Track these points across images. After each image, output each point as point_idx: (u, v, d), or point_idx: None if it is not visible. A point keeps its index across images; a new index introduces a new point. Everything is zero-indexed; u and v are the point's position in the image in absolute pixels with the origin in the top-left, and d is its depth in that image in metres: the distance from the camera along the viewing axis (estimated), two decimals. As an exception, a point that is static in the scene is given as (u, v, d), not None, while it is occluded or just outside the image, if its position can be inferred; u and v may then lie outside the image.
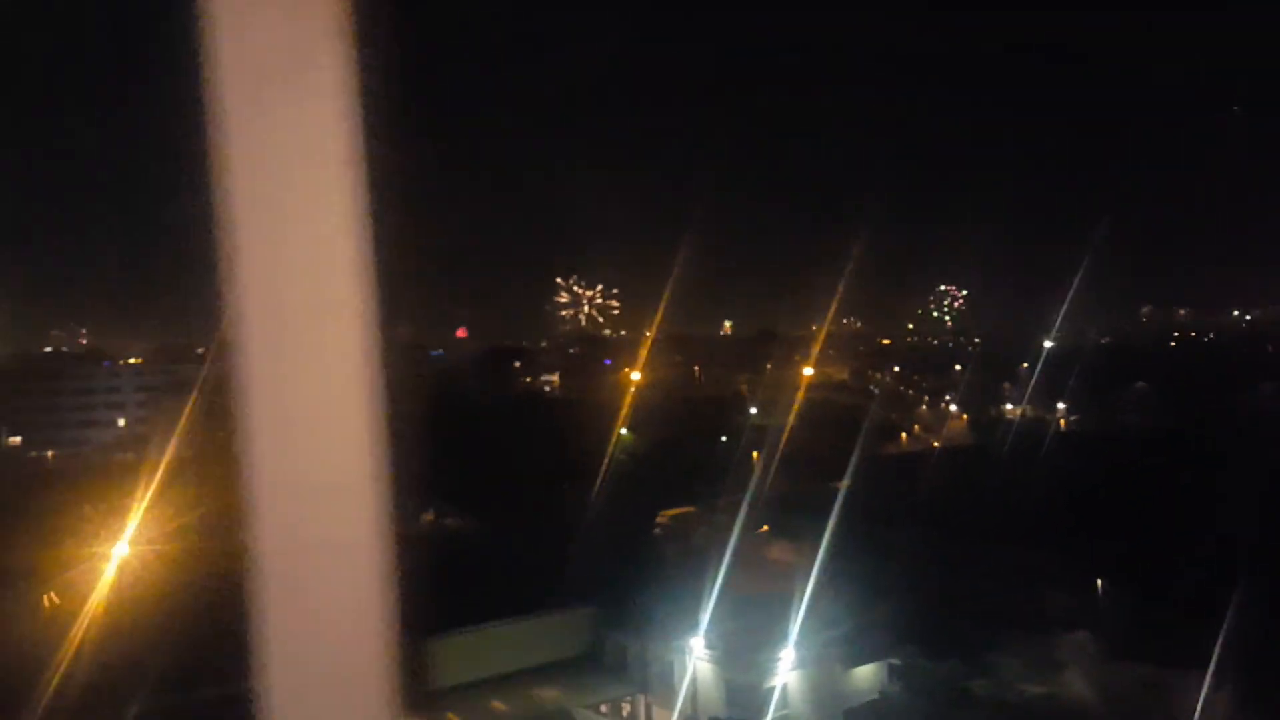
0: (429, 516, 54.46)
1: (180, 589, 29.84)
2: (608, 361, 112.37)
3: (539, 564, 32.49)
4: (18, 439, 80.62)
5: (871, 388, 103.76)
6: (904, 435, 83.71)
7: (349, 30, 1.57)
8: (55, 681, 22.83)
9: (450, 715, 28.76)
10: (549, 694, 29.98)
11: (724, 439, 58.26)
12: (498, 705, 29.35)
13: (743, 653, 28.18)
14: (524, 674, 30.44)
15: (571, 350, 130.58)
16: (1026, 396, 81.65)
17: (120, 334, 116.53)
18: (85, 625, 25.65)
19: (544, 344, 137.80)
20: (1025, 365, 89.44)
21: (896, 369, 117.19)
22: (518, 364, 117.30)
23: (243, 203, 1.57)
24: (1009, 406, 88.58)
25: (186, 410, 61.87)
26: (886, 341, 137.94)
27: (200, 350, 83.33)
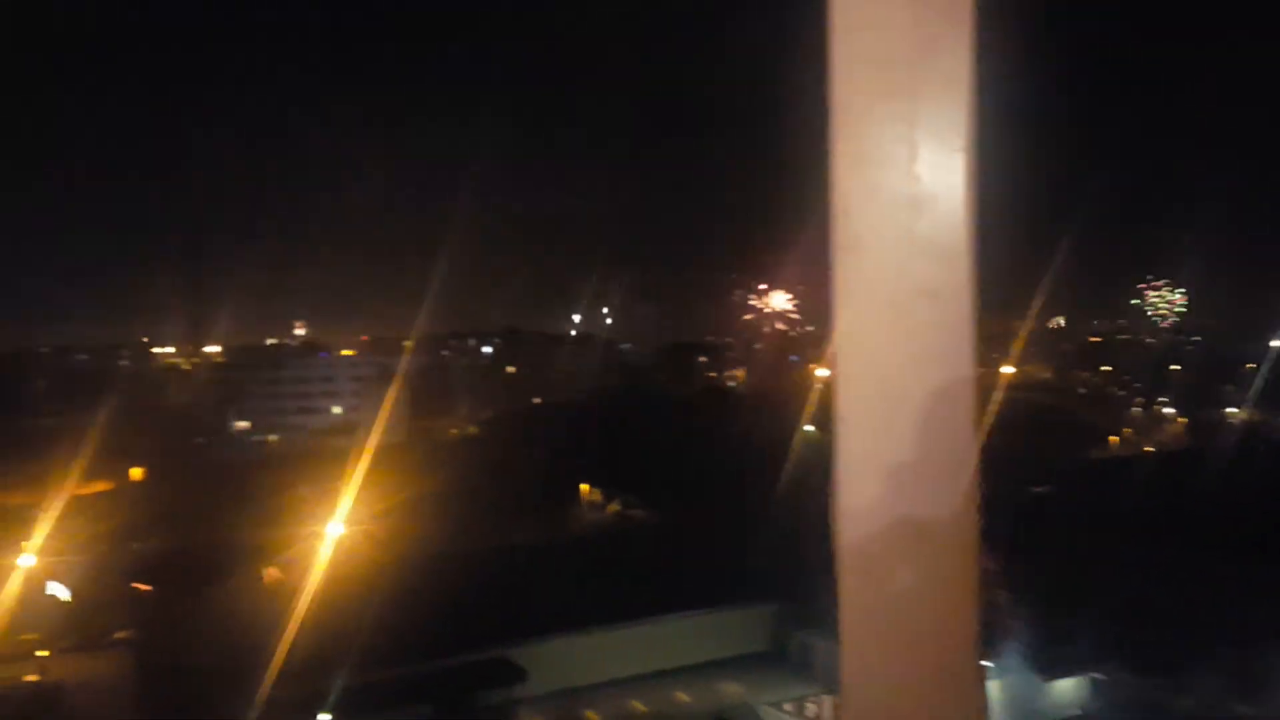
0: (615, 506, 55.70)
1: (388, 568, 31.71)
2: (794, 358, 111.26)
3: (722, 558, 32.61)
4: (245, 424, 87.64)
5: (1078, 388, 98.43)
6: (1113, 438, 79.03)
7: (974, 18, 1.61)
8: (280, 652, 24.56)
9: (636, 704, 29.33)
10: (732, 689, 30.07)
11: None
12: (681, 697, 29.68)
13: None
14: (707, 667, 30.65)
15: (756, 346, 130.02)
16: (1252, 399, 75.29)
17: (336, 326, 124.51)
18: (305, 599, 27.50)
19: (729, 339, 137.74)
20: (1251, 366, 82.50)
21: (1106, 368, 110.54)
22: (703, 358, 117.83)
23: (858, 187, 1.62)
24: (1231, 409, 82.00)
25: (391, 399, 65.63)
26: (1095, 340, 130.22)
27: (407, 343, 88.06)
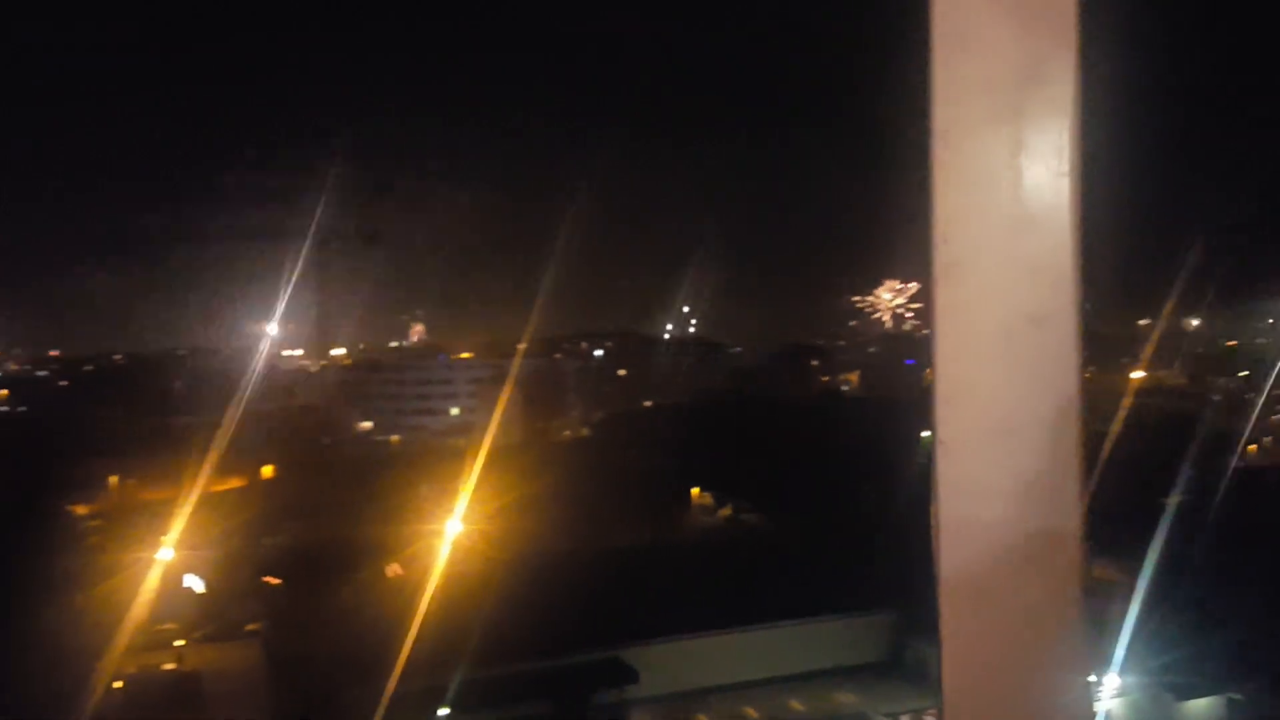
0: (726, 511, 55.51)
1: (504, 567, 32.31)
2: (910, 361, 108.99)
3: (836, 564, 32.16)
4: (369, 424, 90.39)
5: (1213, 394, 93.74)
6: (1252, 447, 75.04)
7: (1079, 45, 1.61)
8: (403, 646, 25.22)
9: (748, 709, 29.19)
10: (847, 698, 29.65)
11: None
12: (794, 704, 29.41)
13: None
14: (821, 675, 30.29)
15: (871, 349, 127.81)
16: None
17: (454, 329, 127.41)
18: (426, 595, 28.18)
19: (841, 341, 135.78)
20: None
21: (1243, 374, 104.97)
22: (815, 362, 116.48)
23: (960, 210, 1.63)
24: (1385, 418, 76.97)
25: (506, 401, 66.83)
26: (1232, 343, 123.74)
27: (521, 346, 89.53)
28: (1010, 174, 1.61)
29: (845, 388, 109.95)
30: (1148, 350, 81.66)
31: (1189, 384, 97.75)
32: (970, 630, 1.67)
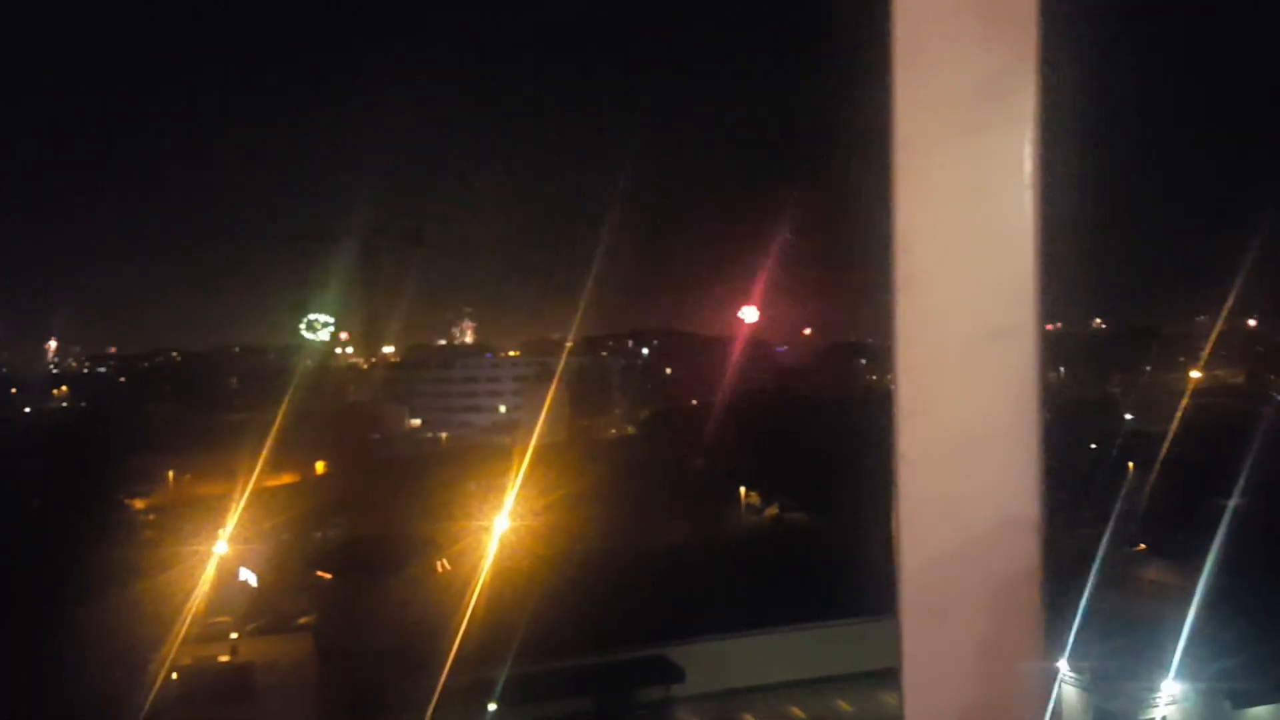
0: (773, 510, 55.35)
1: (551, 563, 32.48)
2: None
3: (883, 565, 31.87)
4: (417, 421, 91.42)
5: (1274, 393, 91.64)
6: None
7: (1040, 59, 1.62)
8: (452, 641, 25.49)
9: (794, 709, 29.08)
10: (892, 699, 29.33)
11: (1093, 446, 54.01)
12: (842, 705, 29.25)
13: (1115, 679, 26.02)
14: (868, 676, 30.08)
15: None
16: None
17: (501, 328, 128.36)
18: (474, 591, 28.47)
19: (890, 340, 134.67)
20: None
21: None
22: (863, 360, 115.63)
23: (921, 223, 1.64)
24: None
25: (551, 398, 67.24)
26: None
27: (568, 344, 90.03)
28: (972, 186, 1.61)
29: (894, 387, 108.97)
30: (1206, 349, 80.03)
31: (1248, 383, 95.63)
32: (932, 640, 1.72)
